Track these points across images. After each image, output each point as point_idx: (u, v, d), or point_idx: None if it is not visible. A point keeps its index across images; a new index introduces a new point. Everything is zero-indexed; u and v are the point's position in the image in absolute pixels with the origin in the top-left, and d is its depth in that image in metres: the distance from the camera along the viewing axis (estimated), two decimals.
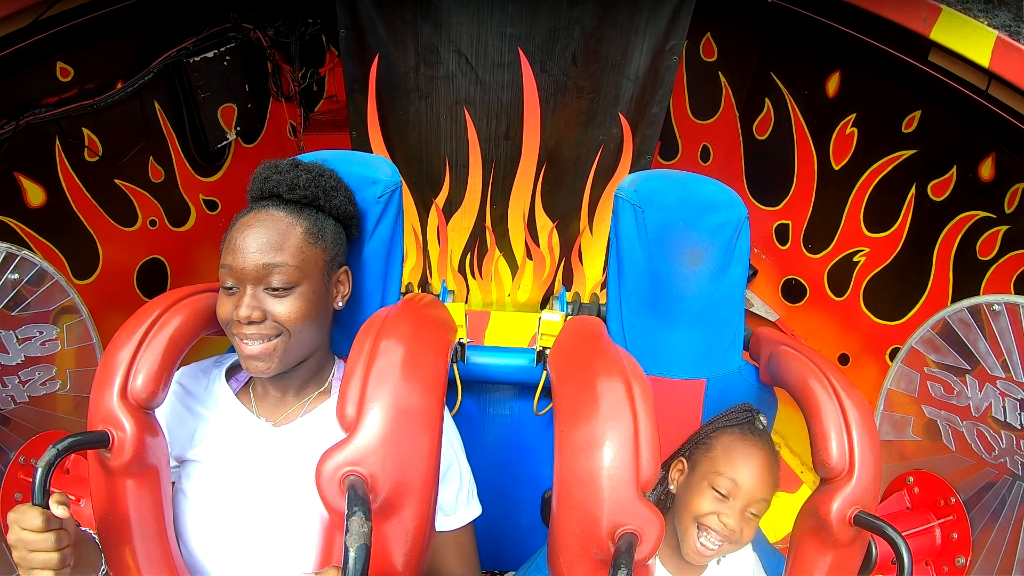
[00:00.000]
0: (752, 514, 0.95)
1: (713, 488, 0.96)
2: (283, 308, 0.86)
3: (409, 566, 0.81)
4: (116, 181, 1.68)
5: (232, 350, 1.00)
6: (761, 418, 1.08)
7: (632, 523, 0.76)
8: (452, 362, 1.28)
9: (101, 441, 0.79)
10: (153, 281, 1.83)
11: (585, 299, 1.40)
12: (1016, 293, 1.42)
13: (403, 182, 1.10)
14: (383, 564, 0.79)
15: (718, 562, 1.03)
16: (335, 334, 1.03)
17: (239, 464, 0.90)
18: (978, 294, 1.36)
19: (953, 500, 1.15)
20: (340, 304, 0.97)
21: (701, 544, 0.95)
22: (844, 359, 1.93)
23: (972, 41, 1.32)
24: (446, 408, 0.89)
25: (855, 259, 1.87)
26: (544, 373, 1.31)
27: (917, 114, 1.63)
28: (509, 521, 1.39)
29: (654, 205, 1.12)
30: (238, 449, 0.91)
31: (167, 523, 0.86)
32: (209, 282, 0.97)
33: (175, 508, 0.92)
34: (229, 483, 0.90)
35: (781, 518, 1.72)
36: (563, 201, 2.02)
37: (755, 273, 2.21)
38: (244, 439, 0.92)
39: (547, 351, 1.22)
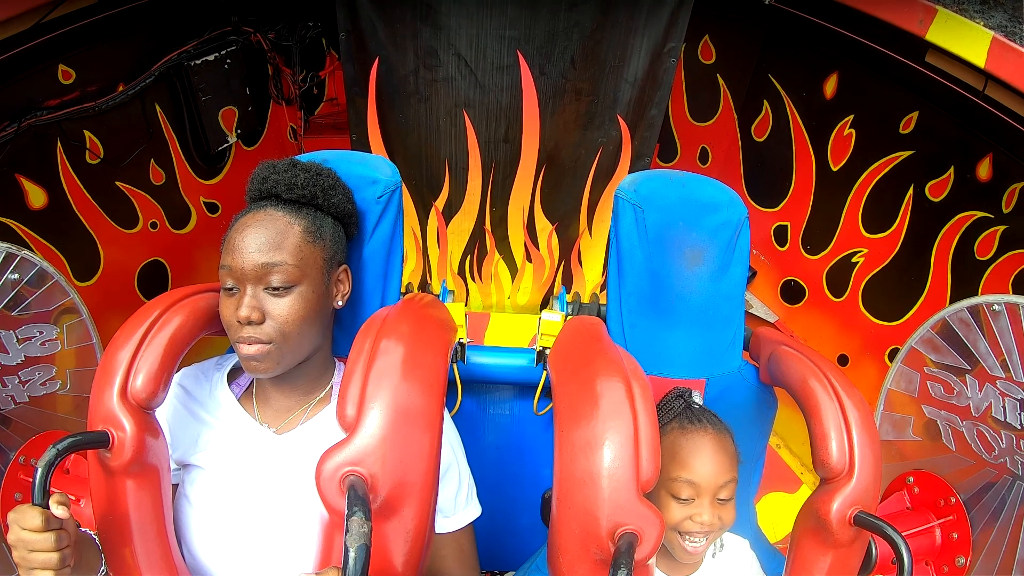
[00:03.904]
0: (722, 499, 0.93)
1: (674, 497, 0.94)
2: (283, 308, 0.86)
3: (409, 566, 0.81)
4: (117, 183, 1.68)
5: (232, 350, 1.00)
6: (695, 397, 1.04)
7: (632, 523, 0.76)
8: (452, 362, 1.28)
9: (101, 441, 0.79)
10: (154, 283, 1.83)
11: (585, 300, 1.40)
12: (1014, 292, 1.42)
13: (403, 183, 1.10)
14: (383, 564, 0.79)
15: (713, 555, 1.03)
16: (335, 334, 1.03)
17: (242, 471, 0.91)
18: (976, 294, 1.36)
19: (953, 500, 1.14)
20: (340, 303, 0.97)
21: (690, 546, 0.95)
22: (843, 360, 1.93)
23: (968, 42, 1.33)
24: (445, 409, 0.89)
25: (854, 260, 1.87)
26: (544, 373, 1.31)
27: (914, 115, 1.64)
28: (509, 521, 1.39)
29: (654, 205, 1.13)
30: (241, 456, 0.91)
31: (167, 523, 0.86)
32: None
33: (179, 513, 0.92)
34: (232, 490, 0.90)
35: (781, 518, 1.72)
36: (562, 203, 2.03)
37: (754, 275, 2.21)
38: (246, 446, 0.92)
39: (547, 351, 1.22)
